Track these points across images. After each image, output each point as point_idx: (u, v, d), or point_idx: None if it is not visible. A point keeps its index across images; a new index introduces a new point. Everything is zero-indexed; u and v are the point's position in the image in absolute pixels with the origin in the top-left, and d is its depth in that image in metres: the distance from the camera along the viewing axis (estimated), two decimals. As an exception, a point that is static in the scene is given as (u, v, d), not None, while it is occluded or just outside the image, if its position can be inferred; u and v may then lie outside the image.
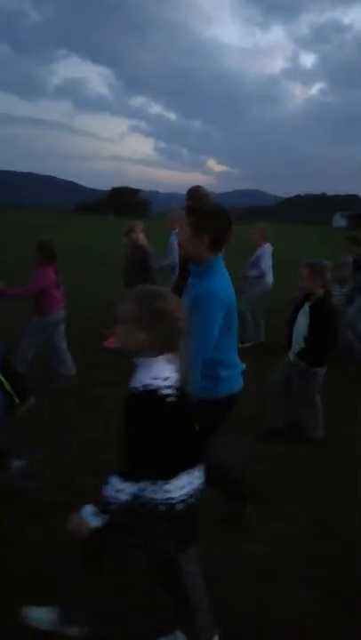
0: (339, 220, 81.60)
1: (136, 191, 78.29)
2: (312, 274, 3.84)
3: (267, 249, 6.68)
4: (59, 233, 16.85)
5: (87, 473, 3.16)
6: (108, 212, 41.31)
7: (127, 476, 1.65)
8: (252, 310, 6.72)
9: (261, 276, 6.64)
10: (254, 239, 6.68)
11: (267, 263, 6.65)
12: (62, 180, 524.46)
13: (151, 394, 1.63)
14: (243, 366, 2.61)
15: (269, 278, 6.71)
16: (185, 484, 1.73)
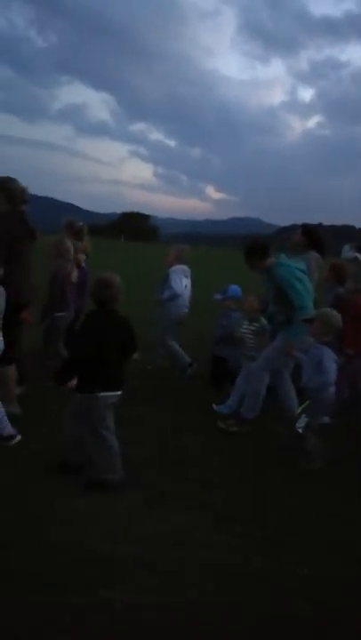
0: (347, 252, 32.46)
1: (146, 217, 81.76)
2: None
3: (176, 270, 6.10)
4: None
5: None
6: (119, 235, 40.07)
7: None
8: (160, 336, 6.15)
9: (172, 298, 6.03)
10: (168, 260, 6.26)
11: (177, 285, 5.99)
12: (61, 202, 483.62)
13: None
14: None
15: (181, 301, 6.09)
16: None
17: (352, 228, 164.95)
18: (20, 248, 4.22)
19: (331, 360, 3.94)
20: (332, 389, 4.02)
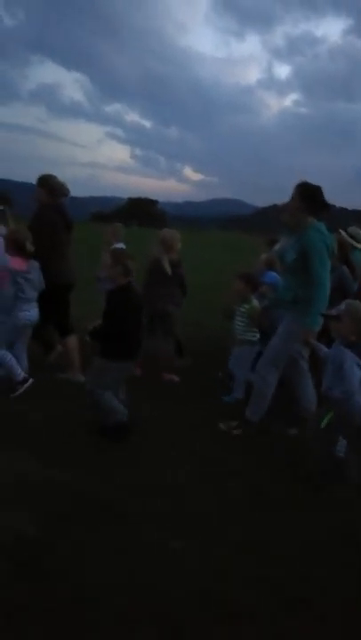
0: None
1: (155, 202, 77.03)
2: (113, 260, 3.80)
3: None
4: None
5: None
6: (130, 222, 33.07)
7: None
8: None
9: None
10: (106, 239, 6.16)
11: None
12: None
13: None
14: None
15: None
16: None
17: (332, 207, 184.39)
18: (59, 238, 4.64)
19: (353, 365, 3.29)
20: (358, 399, 3.29)
